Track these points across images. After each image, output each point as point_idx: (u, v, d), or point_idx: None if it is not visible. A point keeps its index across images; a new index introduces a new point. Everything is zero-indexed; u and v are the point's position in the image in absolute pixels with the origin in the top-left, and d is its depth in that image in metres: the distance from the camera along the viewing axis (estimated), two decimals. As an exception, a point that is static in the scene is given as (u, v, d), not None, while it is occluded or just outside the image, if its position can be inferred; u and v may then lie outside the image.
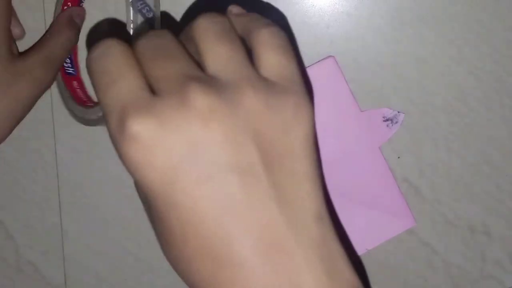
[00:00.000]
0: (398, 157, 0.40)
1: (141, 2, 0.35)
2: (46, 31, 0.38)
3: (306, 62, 0.40)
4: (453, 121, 0.40)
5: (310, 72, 0.39)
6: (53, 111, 0.42)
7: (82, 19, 0.39)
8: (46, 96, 0.41)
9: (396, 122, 0.39)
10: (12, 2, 0.40)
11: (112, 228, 0.42)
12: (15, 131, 0.42)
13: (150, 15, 0.35)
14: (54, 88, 0.41)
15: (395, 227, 0.41)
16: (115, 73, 0.22)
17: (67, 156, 0.42)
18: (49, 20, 0.40)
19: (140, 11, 0.35)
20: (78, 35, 0.38)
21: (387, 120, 0.39)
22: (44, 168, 0.42)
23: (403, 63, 0.39)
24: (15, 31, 0.38)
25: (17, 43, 0.37)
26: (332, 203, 0.41)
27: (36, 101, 0.35)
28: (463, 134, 0.40)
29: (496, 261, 0.41)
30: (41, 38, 0.38)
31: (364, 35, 0.39)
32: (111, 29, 0.40)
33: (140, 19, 0.35)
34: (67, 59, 0.39)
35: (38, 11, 0.41)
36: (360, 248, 0.41)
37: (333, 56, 0.39)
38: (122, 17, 0.40)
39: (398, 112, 0.39)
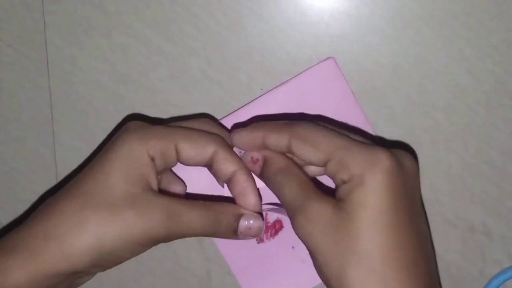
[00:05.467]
0: (398, 157, 0.40)
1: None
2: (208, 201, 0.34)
3: (306, 62, 0.40)
4: (453, 121, 0.40)
5: (310, 73, 0.39)
6: (52, 111, 0.42)
7: (255, 231, 0.34)
8: (45, 95, 0.41)
9: None
10: (12, 2, 0.40)
11: (112, 228, 0.42)
12: (14, 131, 0.42)
13: None
14: (53, 87, 0.41)
15: None
16: None
17: (67, 156, 0.42)
18: (49, 20, 0.40)
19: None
20: (227, 231, 0.33)
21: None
22: (43, 168, 0.42)
23: (403, 63, 0.39)
24: (177, 188, 0.36)
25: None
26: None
27: (141, 248, 0.31)
28: (463, 134, 0.40)
29: (496, 261, 0.41)
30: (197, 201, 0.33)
31: (364, 35, 0.39)
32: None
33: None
34: None
35: (38, 11, 0.41)
36: None
37: (333, 57, 0.39)
38: (121, 17, 0.40)
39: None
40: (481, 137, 0.40)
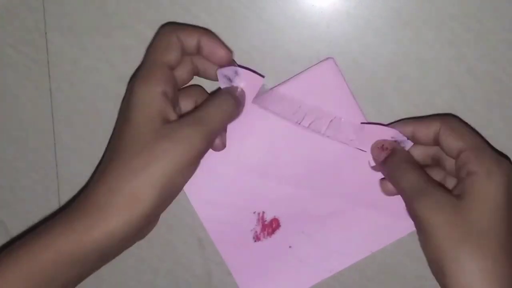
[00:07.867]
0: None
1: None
2: (205, 101, 0.37)
3: (306, 61, 0.40)
4: (453, 121, 0.40)
5: (310, 74, 0.39)
6: (53, 111, 0.42)
7: (243, 101, 0.38)
8: (46, 95, 0.41)
9: (404, 146, 0.38)
10: (13, 2, 0.41)
11: (112, 228, 0.42)
12: (14, 131, 0.42)
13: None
14: (54, 87, 0.41)
15: (399, 230, 0.41)
16: None
17: (67, 156, 0.42)
18: (50, 20, 0.41)
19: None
20: (239, 110, 0.37)
21: (395, 141, 0.38)
22: (44, 168, 0.42)
23: (403, 63, 0.39)
24: (216, 142, 0.38)
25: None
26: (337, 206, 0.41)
27: (190, 167, 0.34)
28: (463, 134, 0.40)
29: (497, 261, 0.41)
30: (200, 105, 0.37)
31: (364, 35, 0.39)
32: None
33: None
34: None
35: (39, 12, 0.41)
36: (365, 250, 0.41)
37: (332, 58, 0.39)
38: (122, 17, 0.40)
39: (407, 139, 0.37)
40: (481, 137, 0.40)
